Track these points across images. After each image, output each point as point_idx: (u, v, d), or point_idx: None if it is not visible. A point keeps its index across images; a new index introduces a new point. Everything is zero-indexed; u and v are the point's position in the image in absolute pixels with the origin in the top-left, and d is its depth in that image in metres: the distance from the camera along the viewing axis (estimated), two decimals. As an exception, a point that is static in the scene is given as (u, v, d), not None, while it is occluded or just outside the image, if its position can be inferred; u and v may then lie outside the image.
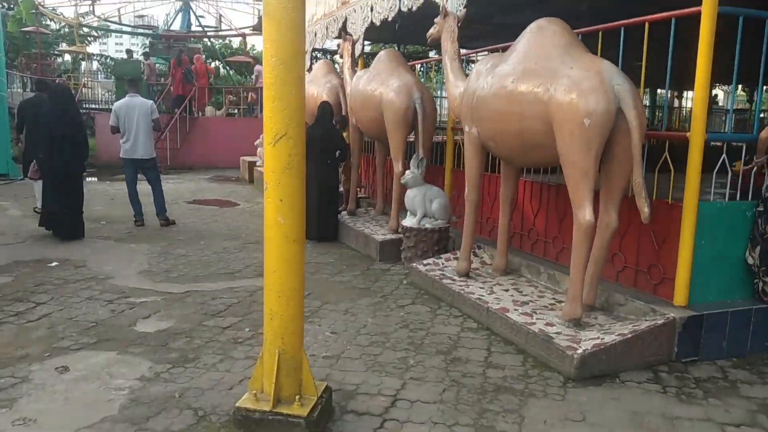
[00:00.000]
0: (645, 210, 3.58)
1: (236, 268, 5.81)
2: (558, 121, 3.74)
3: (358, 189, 8.33)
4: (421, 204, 5.76)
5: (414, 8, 7.18)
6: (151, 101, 8.37)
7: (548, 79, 3.86)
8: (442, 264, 5.46)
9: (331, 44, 15.37)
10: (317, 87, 8.81)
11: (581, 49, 4.01)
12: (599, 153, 3.67)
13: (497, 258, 5.15)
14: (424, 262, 5.51)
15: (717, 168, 3.86)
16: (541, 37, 4.17)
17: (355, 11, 9.12)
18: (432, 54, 21.01)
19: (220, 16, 24.77)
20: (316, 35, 11.13)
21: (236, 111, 19.67)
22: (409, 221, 5.86)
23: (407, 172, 5.84)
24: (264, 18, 2.54)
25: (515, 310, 4.22)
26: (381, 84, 6.56)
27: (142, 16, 29.56)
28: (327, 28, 10.44)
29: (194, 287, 5.12)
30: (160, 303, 4.67)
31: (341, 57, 8.68)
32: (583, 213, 3.73)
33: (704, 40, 3.62)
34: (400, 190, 6.49)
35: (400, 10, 7.58)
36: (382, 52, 7.10)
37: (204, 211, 9.35)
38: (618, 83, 3.62)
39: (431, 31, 5.72)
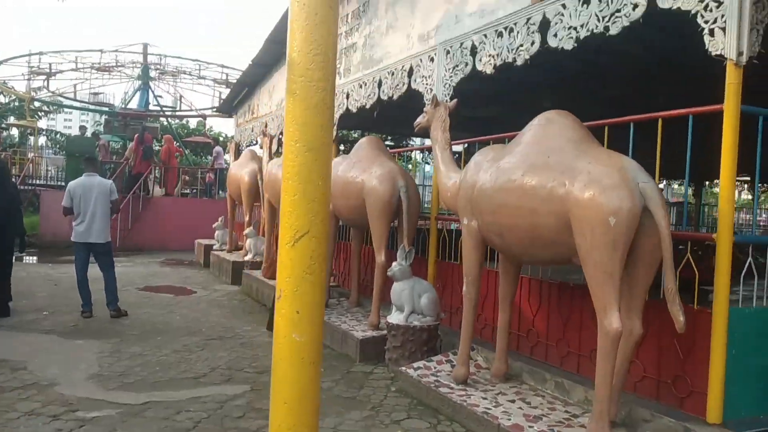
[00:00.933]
0: (680, 319, 3.25)
1: (200, 371, 5.15)
2: (578, 218, 3.46)
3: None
4: (410, 299, 5.32)
5: (395, 97, 7.08)
6: (111, 181, 7.83)
7: (564, 174, 3.61)
8: (435, 368, 4.97)
9: None
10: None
11: (595, 144, 3.83)
12: (625, 254, 3.38)
13: (497, 362, 4.71)
14: (415, 365, 5.01)
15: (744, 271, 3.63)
16: (551, 130, 3.97)
17: (328, 96, 8.98)
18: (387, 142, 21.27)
19: (180, 96, 24.60)
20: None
21: (189, 191, 19.12)
22: (395, 318, 5.39)
23: (395, 264, 5.43)
24: (287, 97, 2.17)
25: (530, 427, 3.75)
26: (363, 171, 6.26)
27: (96, 93, 29.09)
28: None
29: (155, 396, 4.44)
30: (115, 419, 3.97)
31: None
32: (609, 320, 3.38)
33: (728, 137, 3.47)
34: (383, 283, 6.06)
35: (379, 98, 7.47)
36: (363, 140, 6.85)
37: (158, 300, 8.61)
38: (643, 181, 3.40)
39: (419, 119, 5.50)
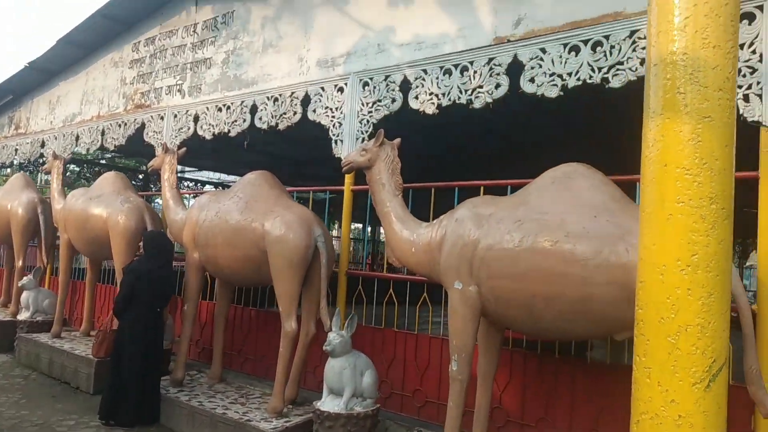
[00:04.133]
0: (767, 404, 2.97)
1: None
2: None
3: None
4: (352, 379, 4.27)
5: (281, 126, 6.01)
6: None
7: (623, 239, 3.15)
8: (397, 466, 4.00)
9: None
10: (107, 208, 6.59)
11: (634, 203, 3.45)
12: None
13: (479, 454, 3.95)
14: (371, 465, 3.97)
15: None
16: (582, 185, 3.48)
17: (162, 118, 7.40)
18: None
19: None
20: (78, 139, 8.82)
21: None
22: (331, 404, 4.27)
23: (333, 335, 4.32)
24: (664, 118, 1.26)
25: None
26: (263, 215, 5.02)
27: None
28: (103, 133, 8.33)
29: None
30: None
31: (151, 171, 6.73)
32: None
33: (765, 205, 3.38)
34: (290, 356, 4.86)
35: (252, 125, 6.28)
36: (251, 175, 5.53)
37: None
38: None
39: (353, 158, 4.58)
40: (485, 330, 3.95)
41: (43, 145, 9.68)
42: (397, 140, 4.56)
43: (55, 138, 9.37)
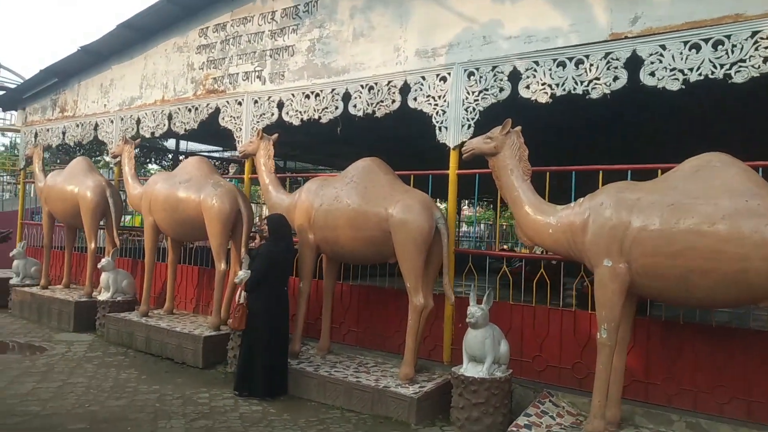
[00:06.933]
0: None
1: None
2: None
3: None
4: (492, 347, 4.73)
5: (378, 114, 6.35)
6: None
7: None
8: (544, 424, 4.48)
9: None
10: (199, 191, 6.88)
11: None
12: None
13: (613, 409, 4.41)
14: (521, 423, 4.44)
15: None
16: (728, 173, 3.90)
17: (239, 103, 7.65)
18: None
19: None
20: (139, 122, 8.99)
21: None
22: (474, 370, 4.73)
23: (475, 308, 4.76)
24: None
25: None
26: (384, 200, 5.40)
27: None
28: (170, 117, 8.51)
29: None
30: None
31: (242, 156, 7.02)
32: None
33: None
34: (418, 328, 5.30)
35: (345, 111, 6.59)
36: (364, 162, 5.86)
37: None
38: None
39: (477, 144, 4.92)
40: (626, 303, 4.40)
41: (96, 128, 9.81)
42: (518, 127, 4.94)
43: (111, 121, 9.52)
